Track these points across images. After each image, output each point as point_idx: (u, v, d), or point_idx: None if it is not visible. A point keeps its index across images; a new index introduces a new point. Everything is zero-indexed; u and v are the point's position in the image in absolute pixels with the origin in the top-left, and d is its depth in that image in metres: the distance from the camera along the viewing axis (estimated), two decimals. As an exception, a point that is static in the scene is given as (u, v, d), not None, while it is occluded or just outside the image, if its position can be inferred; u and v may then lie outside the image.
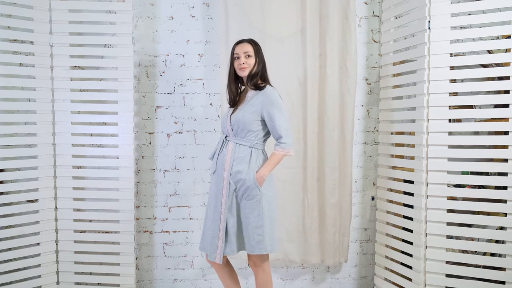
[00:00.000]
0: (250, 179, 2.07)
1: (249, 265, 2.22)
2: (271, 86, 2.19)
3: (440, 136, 2.30)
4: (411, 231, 2.43)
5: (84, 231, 2.66)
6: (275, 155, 2.11)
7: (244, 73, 2.12)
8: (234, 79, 2.20)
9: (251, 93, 2.16)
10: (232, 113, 2.17)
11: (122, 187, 2.61)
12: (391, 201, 2.62)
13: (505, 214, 2.19)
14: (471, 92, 2.35)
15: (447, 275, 2.32)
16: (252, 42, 2.16)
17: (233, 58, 2.16)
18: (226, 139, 2.16)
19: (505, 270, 2.18)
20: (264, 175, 2.08)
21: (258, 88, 2.13)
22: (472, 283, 2.25)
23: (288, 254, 2.79)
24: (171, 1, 2.81)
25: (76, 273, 2.66)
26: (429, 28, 2.31)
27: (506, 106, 2.18)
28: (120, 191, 2.62)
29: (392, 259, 2.61)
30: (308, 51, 2.68)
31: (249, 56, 2.12)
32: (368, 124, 2.89)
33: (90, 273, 2.68)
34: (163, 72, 2.84)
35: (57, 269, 2.63)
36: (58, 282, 2.64)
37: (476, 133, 2.41)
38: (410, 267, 2.44)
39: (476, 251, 2.35)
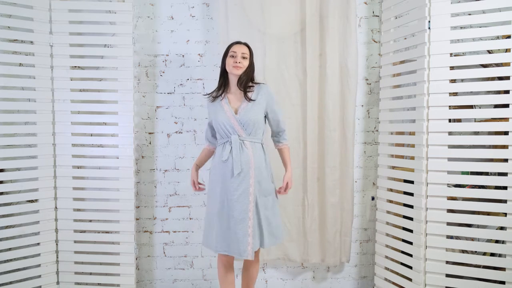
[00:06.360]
0: (269, 175, 2.26)
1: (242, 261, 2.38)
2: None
3: (440, 136, 2.30)
4: (411, 231, 2.43)
5: (84, 231, 2.66)
6: (287, 149, 2.37)
7: (237, 72, 2.21)
8: (222, 76, 2.30)
9: (250, 93, 2.24)
10: (235, 113, 2.22)
11: (122, 187, 2.61)
12: (391, 201, 2.62)
13: (505, 214, 2.19)
14: (471, 92, 2.35)
15: (447, 275, 2.32)
16: (248, 46, 2.29)
17: (227, 55, 2.25)
18: (239, 139, 2.18)
19: (505, 270, 2.18)
20: (292, 174, 2.36)
21: (246, 89, 2.23)
22: (472, 283, 2.25)
23: (288, 253, 2.80)
24: (171, 1, 2.81)
25: (76, 273, 2.66)
26: (429, 28, 2.31)
27: (506, 106, 2.18)
28: (120, 191, 2.62)
29: (392, 259, 2.61)
30: (308, 51, 2.68)
31: (244, 58, 2.23)
32: (368, 124, 2.89)
33: (90, 273, 2.68)
34: (163, 72, 2.85)
35: (57, 269, 2.63)
36: (58, 282, 2.64)
37: (476, 133, 2.41)
38: (410, 267, 2.44)
39: (476, 251, 2.35)
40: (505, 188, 2.19)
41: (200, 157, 2.45)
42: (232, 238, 2.13)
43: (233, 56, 2.21)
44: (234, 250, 2.13)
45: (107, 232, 2.68)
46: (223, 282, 2.30)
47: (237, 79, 2.23)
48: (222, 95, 2.27)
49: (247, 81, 2.24)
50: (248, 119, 2.18)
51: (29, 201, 2.56)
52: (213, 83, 2.83)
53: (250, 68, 2.26)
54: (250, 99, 2.21)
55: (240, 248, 2.11)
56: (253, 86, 2.26)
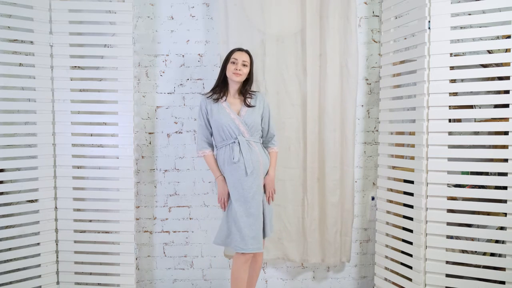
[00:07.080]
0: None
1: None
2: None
3: (440, 136, 2.30)
4: (411, 231, 2.43)
5: (84, 231, 2.66)
6: (275, 153, 2.45)
7: (237, 79, 2.30)
8: (222, 81, 2.37)
9: (249, 99, 2.35)
10: (237, 115, 2.31)
11: (122, 187, 2.61)
12: (391, 201, 2.62)
13: (505, 214, 2.19)
14: (471, 92, 2.35)
15: (447, 275, 2.32)
16: (249, 54, 2.39)
17: (228, 61, 2.32)
18: (245, 140, 2.27)
19: (505, 270, 2.18)
20: (273, 178, 2.41)
21: (246, 95, 2.35)
22: (472, 283, 2.25)
23: (288, 253, 2.79)
24: (171, 1, 2.81)
25: (76, 273, 2.66)
26: (429, 28, 2.31)
27: (506, 106, 2.18)
28: (120, 191, 2.62)
29: (392, 259, 2.61)
30: (308, 51, 2.68)
31: (244, 65, 2.31)
32: (368, 124, 2.89)
33: (90, 273, 2.68)
34: (163, 72, 2.85)
35: (57, 269, 2.63)
36: (58, 282, 2.64)
37: (476, 133, 2.41)
38: (410, 267, 2.44)
39: (476, 251, 2.35)
40: (505, 188, 2.19)
41: (213, 167, 2.35)
42: (254, 234, 2.22)
43: (233, 63, 2.29)
44: (255, 245, 2.21)
45: (107, 232, 2.68)
46: (239, 282, 2.27)
47: (237, 85, 2.34)
48: (223, 98, 2.34)
49: (247, 87, 2.37)
50: (252, 121, 2.29)
51: (29, 201, 2.56)
52: (213, 83, 2.81)
53: (250, 75, 2.37)
54: (249, 105, 2.32)
55: (260, 243, 2.23)
56: (252, 94, 2.38)
